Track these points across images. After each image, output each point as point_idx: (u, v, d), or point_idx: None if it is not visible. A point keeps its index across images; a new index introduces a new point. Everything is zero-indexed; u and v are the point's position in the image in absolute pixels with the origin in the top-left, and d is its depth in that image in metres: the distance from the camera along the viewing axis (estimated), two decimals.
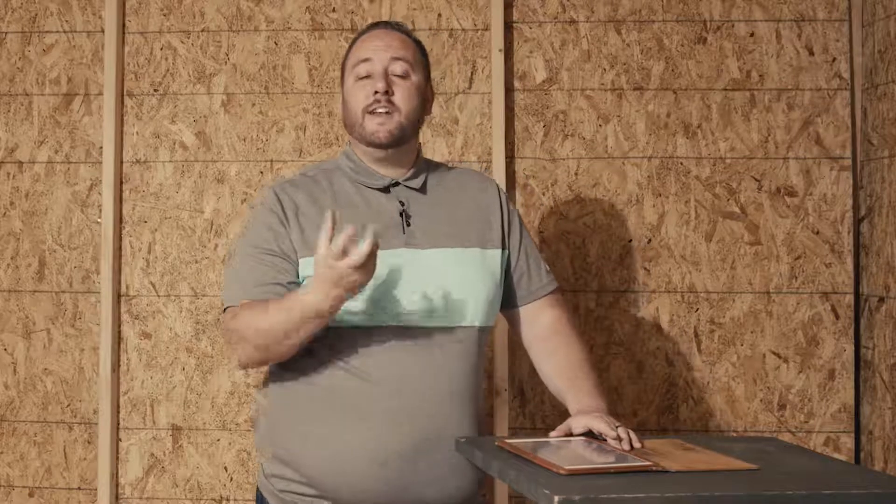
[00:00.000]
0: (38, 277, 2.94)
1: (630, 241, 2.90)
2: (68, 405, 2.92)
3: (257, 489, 2.13)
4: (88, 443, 2.91)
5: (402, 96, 2.07)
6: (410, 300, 2.00)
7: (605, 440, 1.91)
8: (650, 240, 2.90)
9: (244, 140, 2.94)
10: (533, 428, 2.86)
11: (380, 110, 2.05)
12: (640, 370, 2.88)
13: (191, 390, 2.91)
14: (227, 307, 2.05)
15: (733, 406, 2.87)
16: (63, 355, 2.93)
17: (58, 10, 2.97)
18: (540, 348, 2.16)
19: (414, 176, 2.12)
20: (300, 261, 2.03)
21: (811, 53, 2.90)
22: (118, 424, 2.90)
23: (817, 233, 2.88)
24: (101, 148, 2.92)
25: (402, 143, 2.09)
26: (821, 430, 2.86)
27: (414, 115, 2.09)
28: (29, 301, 2.94)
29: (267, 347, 1.96)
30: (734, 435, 2.82)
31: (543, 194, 2.91)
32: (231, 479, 2.89)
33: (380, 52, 2.08)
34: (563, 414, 2.08)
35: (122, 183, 2.94)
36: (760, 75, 2.90)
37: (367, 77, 2.08)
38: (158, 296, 2.92)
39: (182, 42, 2.96)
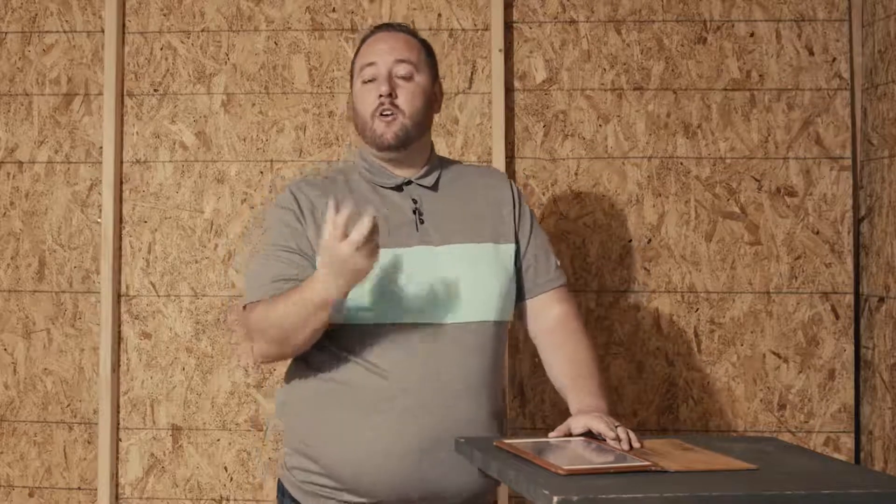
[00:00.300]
0: (38, 277, 2.94)
1: (630, 241, 2.90)
2: (68, 405, 2.92)
3: (279, 481, 2.19)
4: (88, 443, 2.91)
5: (406, 99, 2.10)
6: (425, 297, 2.04)
7: (605, 440, 1.91)
8: (650, 240, 2.90)
9: (244, 140, 2.94)
10: (533, 428, 2.86)
11: (384, 113, 2.09)
12: (640, 370, 2.88)
13: (191, 390, 2.91)
14: (246, 304, 2.10)
15: (733, 406, 2.87)
16: (63, 355, 2.93)
17: (58, 10, 2.97)
18: (546, 344, 2.18)
19: (427, 174, 2.17)
20: (318, 257, 2.04)
21: (811, 53, 2.90)
22: (118, 424, 2.90)
23: (817, 233, 2.88)
24: (101, 148, 2.93)
25: (410, 144, 2.13)
26: (821, 430, 2.85)
27: (419, 116, 2.12)
28: (29, 301, 2.94)
29: (280, 340, 2.01)
30: (734, 435, 2.82)
31: (543, 194, 2.91)
32: (231, 479, 2.89)
33: (384, 56, 2.12)
34: (563, 414, 2.09)
35: (122, 183, 2.94)
36: (760, 75, 2.90)
37: (373, 80, 2.12)
38: (158, 296, 2.92)
39: (182, 42, 2.96)
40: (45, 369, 2.93)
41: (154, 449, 2.90)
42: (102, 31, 2.94)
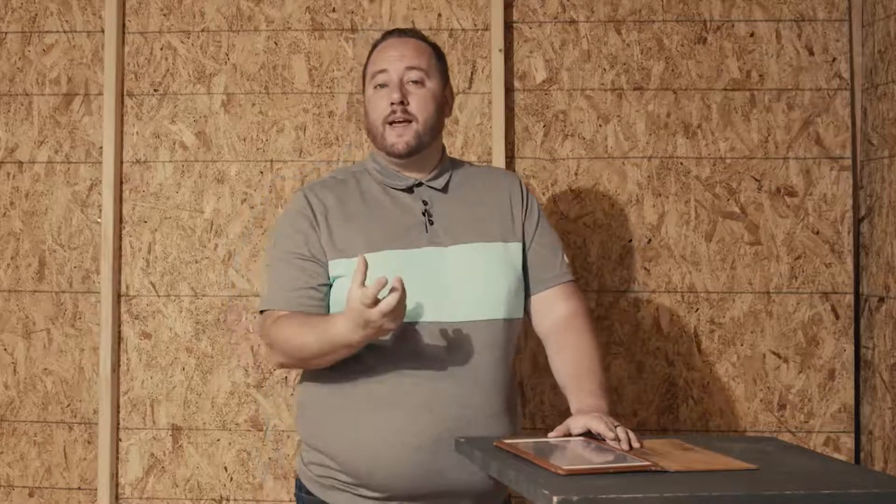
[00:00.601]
0: (38, 277, 2.94)
1: (630, 241, 2.90)
2: (68, 405, 2.92)
3: (296, 476, 2.23)
4: (88, 443, 2.91)
5: (418, 105, 2.16)
6: (435, 296, 2.08)
7: (605, 440, 1.91)
8: (650, 240, 2.90)
9: (244, 140, 2.94)
10: (533, 428, 2.86)
11: (397, 120, 2.15)
12: (640, 370, 2.88)
13: (191, 390, 2.91)
14: (263, 310, 2.18)
15: (733, 406, 2.87)
16: (63, 355, 2.93)
17: (58, 10, 2.97)
18: (551, 341, 2.21)
19: (437, 176, 2.22)
20: (329, 262, 2.13)
21: (811, 53, 2.90)
22: (118, 424, 2.90)
23: (817, 233, 2.88)
24: (101, 148, 2.93)
25: (421, 150, 2.18)
26: (821, 430, 2.85)
27: (431, 122, 2.18)
28: (29, 301, 2.94)
29: (300, 360, 2.13)
30: (734, 435, 2.82)
31: (543, 194, 2.91)
32: (231, 479, 2.89)
33: (395, 62, 2.17)
34: (563, 414, 2.09)
35: (122, 183, 2.94)
36: (760, 75, 2.90)
37: (384, 87, 2.17)
38: (158, 296, 2.92)
39: (182, 42, 2.96)
40: (45, 369, 2.93)
41: (154, 449, 2.90)
42: (102, 31, 2.94)
